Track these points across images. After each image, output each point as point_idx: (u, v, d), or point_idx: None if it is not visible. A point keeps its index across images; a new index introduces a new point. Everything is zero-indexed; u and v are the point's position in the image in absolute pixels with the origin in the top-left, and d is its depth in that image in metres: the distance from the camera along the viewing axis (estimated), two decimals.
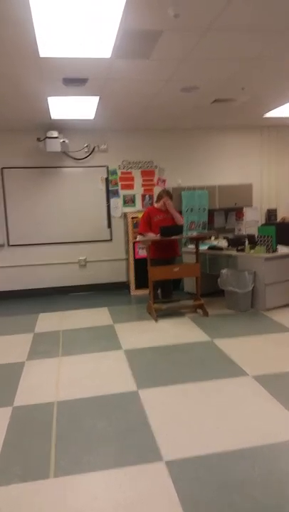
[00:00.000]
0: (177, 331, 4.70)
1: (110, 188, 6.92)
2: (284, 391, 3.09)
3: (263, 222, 7.53)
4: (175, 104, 5.40)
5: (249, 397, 3.03)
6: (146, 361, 3.85)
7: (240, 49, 3.64)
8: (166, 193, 5.49)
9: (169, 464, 2.29)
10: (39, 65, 3.75)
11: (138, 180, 7.02)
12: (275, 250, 5.36)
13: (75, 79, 4.17)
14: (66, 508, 1.99)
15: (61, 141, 6.29)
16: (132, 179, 6.99)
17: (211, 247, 6.00)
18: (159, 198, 5.50)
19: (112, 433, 2.65)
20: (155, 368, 3.69)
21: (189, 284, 6.27)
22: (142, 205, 6.99)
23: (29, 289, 6.80)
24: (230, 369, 3.55)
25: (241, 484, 2.09)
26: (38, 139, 6.39)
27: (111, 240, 7.03)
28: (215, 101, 5.31)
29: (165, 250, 5.35)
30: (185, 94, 4.89)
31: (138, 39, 3.29)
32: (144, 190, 7.03)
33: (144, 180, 7.03)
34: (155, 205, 5.56)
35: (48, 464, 2.36)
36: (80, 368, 3.77)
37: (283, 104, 5.72)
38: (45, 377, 3.58)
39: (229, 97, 5.17)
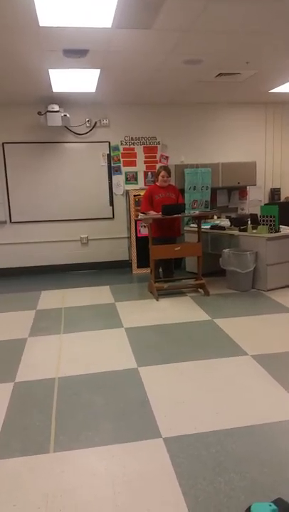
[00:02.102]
0: (178, 310, 4.71)
1: (112, 165, 6.82)
2: (283, 371, 3.10)
3: (267, 201, 7.45)
4: (178, 78, 5.26)
5: (248, 377, 3.05)
6: (146, 339, 3.86)
7: (246, 21, 3.50)
8: (163, 168, 5.44)
9: (167, 441, 2.32)
10: (39, 34, 3.63)
11: (140, 157, 6.91)
12: (277, 230, 5.31)
13: (75, 50, 4.05)
14: (65, 483, 2.03)
15: (62, 115, 6.17)
16: (135, 155, 6.88)
17: (214, 227, 5.94)
18: (157, 174, 5.44)
19: (111, 409, 2.68)
20: (155, 346, 3.71)
21: (191, 264, 6.25)
22: (145, 182, 6.91)
23: (31, 267, 6.80)
24: (229, 348, 3.57)
25: (238, 462, 2.12)
26: (39, 113, 6.27)
27: (113, 217, 6.98)
28: (219, 75, 5.16)
29: (167, 229, 5.32)
30: (188, 67, 4.75)
31: (140, 7, 3.15)
32: (147, 167, 6.93)
33: (146, 157, 6.92)
34: (157, 183, 5.48)
35: (48, 439, 2.39)
36: (81, 345, 3.80)
37: None
38: (47, 354, 3.61)
39: (234, 71, 5.02)
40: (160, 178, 5.37)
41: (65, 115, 6.22)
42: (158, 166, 6.15)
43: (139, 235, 6.61)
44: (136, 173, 6.92)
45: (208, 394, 2.82)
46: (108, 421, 2.55)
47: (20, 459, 2.23)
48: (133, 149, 6.86)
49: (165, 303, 4.99)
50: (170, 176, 5.46)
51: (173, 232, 5.43)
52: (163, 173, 5.36)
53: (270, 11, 3.30)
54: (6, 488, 2.01)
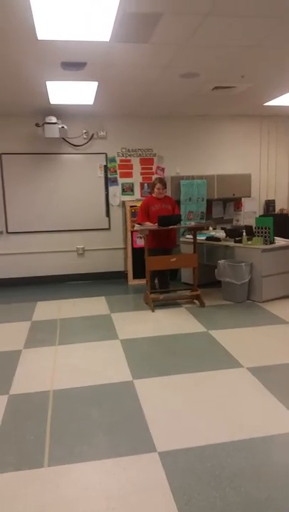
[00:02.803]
0: (174, 322, 4.70)
1: (109, 176, 6.86)
2: (278, 384, 3.09)
3: (261, 213, 7.50)
4: (174, 91, 5.32)
5: (243, 390, 3.04)
6: (142, 351, 3.85)
7: (241, 36, 3.56)
8: (158, 180, 5.46)
9: (163, 455, 2.30)
10: (37, 47, 3.67)
11: (137, 169, 6.95)
12: (272, 242, 5.34)
13: (73, 63, 4.09)
14: (59, 498, 2.00)
15: (60, 126, 6.20)
16: (131, 167, 6.92)
17: (209, 238, 5.97)
18: (153, 186, 5.47)
19: (106, 423, 2.66)
20: (151, 358, 3.69)
21: (186, 275, 6.25)
22: (141, 193, 6.94)
23: (27, 277, 6.78)
24: (225, 360, 3.56)
25: (234, 476, 2.10)
26: (37, 125, 6.30)
27: (109, 228, 6.99)
28: (215, 88, 5.22)
29: (162, 240, 5.33)
30: (185, 80, 4.81)
31: (137, 22, 3.21)
32: (143, 178, 6.97)
33: (142, 169, 6.97)
34: (153, 194, 5.50)
35: (42, 453, 2.36)
36: (76, 356, 3.78)
37: (284, 93, 5.64)
38: (42, 366, 3.58)
39: (229, 84, 5.09)
40: (156, 190, 5.41)
41: (63, 127, 6.25)
42: (153, 177, 6.19)
43: (135, 246, 6.62)
44: (132, 184, 6.95)
45: (204, 407, 2.81)
46: (103, 434, 2.53)
47: (14, 473, 2.20)
48: (129, 161, 6.91)
49: (161, 314, 4.98)
50: (165, 188, 5.50)
51: (168, 244, 5.44)
52: (158, 185, 5.39)
53: (265, 26, 3.37)
54: None
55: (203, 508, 1.89)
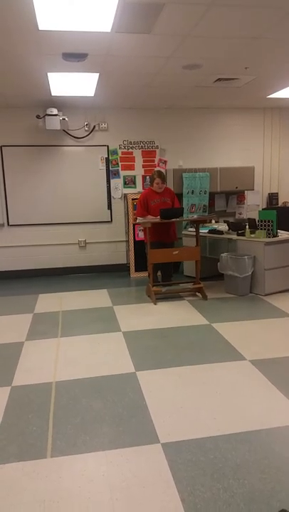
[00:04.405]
0: (176, 314, 4.69)
1: (111, 169, 6.83)
2: (281, 376, 3.09)
3: (264, 206, 7.47)
4: (177, 83, 5.27)
5: (246, 382, 3.04)
6: (144, 344, 3.85)
7: (244, 27, 3.52)
8: (157, 175, 5.32)
9: (166, 447, 2.30)
10: (38, 38, 3.63)
11: (139, 161, 6.91)
12: (275, 235, 5.31)
13: (74, 54, 4.06)
14: (62, 489, 2.01)
15: (61, 118, 6.17)
16: (133, 159, 6.88)
17: (212, 231, 5.95)
18: (152, 180, 5.38)
19: (109, 414, 2.66)
20: (153, 350, 3.69)
21: (189, 268, 6.25)
22: (143, 186, 6.91)
23: (29, 270, 6.78)
24: (228, 353, 3.56)
25: (237, 468, 2.11)
26: (38, 116, 6.27)
27: (111, 221, 6.97)
28: (218, 80, 5.18)
29: (162, 234, 5.29)
30: (187, 72, 4.77)
31: (139, 12, 3.16)
32: (145, 171, 6.93)
33: (144, 161, 6.93)
34: (152, 188, 5.44)
35: (45, 444, 2.37)
36: (78, 348, 3.78)
37: (287, 86, 5.59)
38: (44, 358, 3.58)
39: (232, 76, 5.04)
40: (155, 185, 5.32)
41: (64, 119, 6.22)
42: (154, 170, 6.13)
43: (137, 239, 6.61)
44: (134, 177, 6.92)
45: (207, 399, 2.81)
46: (106, 426, 2.54)
47: (16, 464, 2.21)
48: (131, 153, 6.87)
49: (163, 307, 4.98)
50: (165, 181, 5.42)
51: (168, 237, 5.40)
52: (157, 180, 5.27)
53: (269, 17, 3.32)
54: (1, 494, 1.99)
55: (207, 500, 1.90)
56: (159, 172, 5.40)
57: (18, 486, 2.05)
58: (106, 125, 6.69)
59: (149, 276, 5.26)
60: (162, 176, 5.34)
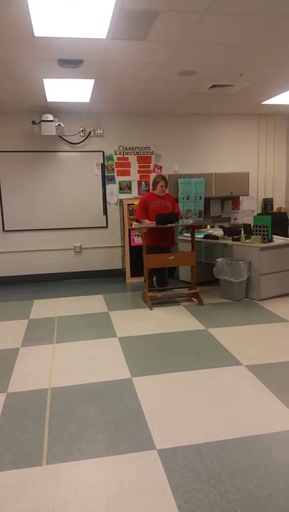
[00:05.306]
0: (172, 320, 4.69)
1: (106, 174, 6.84)
2: (277, 381, 3.09)
3: (259, 211, 7.50)
4: (172, 89, 5.31)
5: (242, 387, 3.03)
6: (140, 349, 3.84)
7: (239, 34, 3.55)
8: (161, 178, 5.43)
9: (162, 453, 2.29)
10: (34, 44, 3.65)
11: (134, 167, 6.94)
12: (270, 240, 5.34)
13: (70, 60, 4.08)
14: (58, 496, 1.99)
15: (56, 124, 6.18)
16: (129, 165, 6.90)
17: (207, 236, 5.96)
18: (156, 183, 5.43)
19: (105, 421, 2.64)
20: (149, 356, 3.68)
21: (184, 273, 6.25)
22: (138, 191, 6.93)
23: (24, 275, 6.76)
24: (223, 358, 3.55)
25: (234, 474, 2.10)
26: (33, 122, 6.28)
27: (106, 226, 6.98)
28: (213, 86, 5.22)
29: (160, 239, 5.30)
30: (182, 78, 4.80)
31: (134, 19, 3.19)
32: (141, 176, 6.95)
33: (140, 167, 6.95)
34: (154, 191, 5.48)
35: (41, 451, 2.35)
36: (74, 354, 3.76)
37: (281, 92, 5.64)
38: (40, 364, 3.56)
39: (227, 82, 5.09)
40: (159, 187, 5.37)
41: (59, 124, 6.23)
42: (154, 175, 6.13)
43: (132, 244, 6.61)
44: (130, 182, 6.94)
45: (203, 404, 2.80)
46: (102, 432, 2.52)
47: (12, 471, 2.19)
48: (127, 159, 6.89)
49: (159, 312, 4.97)
50: (167, 186, 5.50)
51: (166, 242, 5.42)
52: (162, 183, 5.35)
53: (262, 24, 3.36)
54: None
55: (203, 506, 1.89)
56: (164, 176, 5.55)
57: (13, 493, 2.03)
58: (101, 131, 6.71)
59: (144, 281, 5.26)
60: (166, 180, 5.44)
